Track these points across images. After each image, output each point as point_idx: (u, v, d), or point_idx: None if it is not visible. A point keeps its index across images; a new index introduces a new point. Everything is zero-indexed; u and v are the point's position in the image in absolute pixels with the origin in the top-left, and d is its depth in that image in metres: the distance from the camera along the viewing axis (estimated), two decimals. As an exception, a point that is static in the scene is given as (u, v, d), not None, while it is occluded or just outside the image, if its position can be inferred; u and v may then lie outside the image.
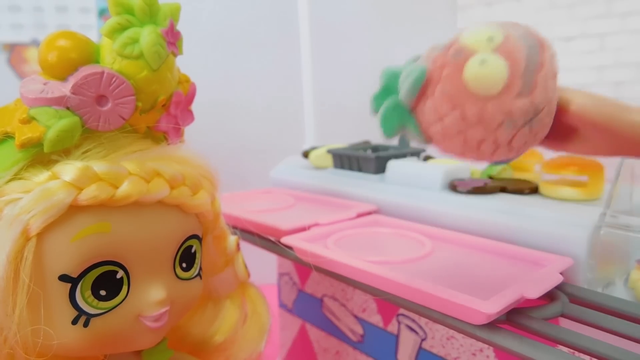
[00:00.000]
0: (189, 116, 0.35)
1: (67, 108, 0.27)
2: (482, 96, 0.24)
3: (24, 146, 0.27)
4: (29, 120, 0.27)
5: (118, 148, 0.29)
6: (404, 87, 0.27)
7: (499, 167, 0.56)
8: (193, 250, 0.33)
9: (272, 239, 0.48)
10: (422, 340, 0.50)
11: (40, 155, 0.28)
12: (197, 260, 0.33)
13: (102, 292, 0.28)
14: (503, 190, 0.50)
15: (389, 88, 0.29)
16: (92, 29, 1.16)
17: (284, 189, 0.71)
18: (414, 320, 0.50)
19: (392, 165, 0.58)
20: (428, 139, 0.28)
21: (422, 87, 0.26)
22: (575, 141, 0.28)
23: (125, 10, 0.28)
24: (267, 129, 1.28)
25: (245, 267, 0.43)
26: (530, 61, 0.25)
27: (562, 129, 0.28)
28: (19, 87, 0.27)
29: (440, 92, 0.25)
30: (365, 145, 0.70)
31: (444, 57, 0.26)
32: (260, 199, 0.66)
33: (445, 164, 0.55)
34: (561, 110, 0.26)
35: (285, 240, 0.45)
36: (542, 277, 0.34)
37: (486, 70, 0.24)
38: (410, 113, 0.28)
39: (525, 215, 0.43)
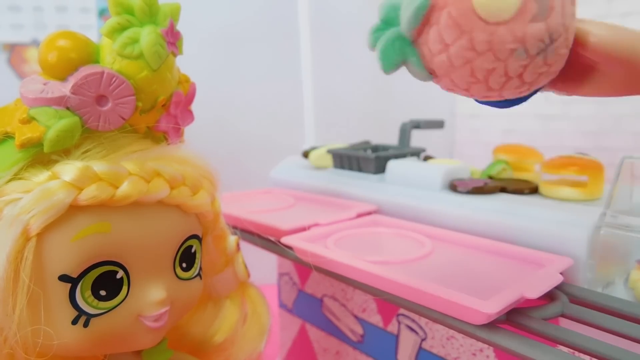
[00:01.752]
0: (189, 116, 0.35)
1: (67, 108, 0.27)
2: (492, 21, 0.22)
3: (24, 146, 0.27)
4: (29, 120, 0.27)
5: (118, 148, 0.29)
6: (405, 16, 0.24)
7: (499, 167, 0.56)
8: (193, 250, 0.33)
9: (272, 239, 0.48)
10: (422, 340, 0.50)
11: (40, 155, 0.28)
12: (197, 260, 0.33)
13: (102, 292, 0.28)
14: (503, 190, 0.50)
15: (388, 20, 0.26)
16: (92, 29, 1.16)
17: (284, 189, 0.71)
18: (414, 320, 0.50)
19: (392, 165, 0.58)
20: (432, 72, 0.26)
21: (426, 15, 0.24)
22: (593, 80, 0.25)
23: (125, 10, 0.28)
24: (267, 129, 1.28)
25: (245, 267, 0.43)
26: None
27: (579, 65, 0.25)
28: (19, 87, 0.27)
29: (445, 19, 0.23)
30: (365, 145, 0.70)
31: None
32: (260, 199, 0.66)
33: (445, 164, 0.55)
34: (579, 43, 0.24)
35: (285, 240, 0.45)
36: (542, 277, 0.34)
37: None
38: (412, 45, 0.25)
39: (525, 215, 0.43)
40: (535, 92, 0.26)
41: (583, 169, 0.46)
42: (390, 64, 0.26)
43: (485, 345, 0.43)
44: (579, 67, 0.26)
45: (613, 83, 0.25)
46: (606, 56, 0.23)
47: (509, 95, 0.25)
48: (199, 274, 0.34)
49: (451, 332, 0.47)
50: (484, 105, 0.28)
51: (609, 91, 0.25)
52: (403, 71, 0.27)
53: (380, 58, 0.26)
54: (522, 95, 0.25)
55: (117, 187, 0.27)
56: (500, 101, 0.27)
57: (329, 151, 0.67)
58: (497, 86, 0.24)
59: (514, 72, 0.23)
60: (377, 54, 0.27)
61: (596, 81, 0.25)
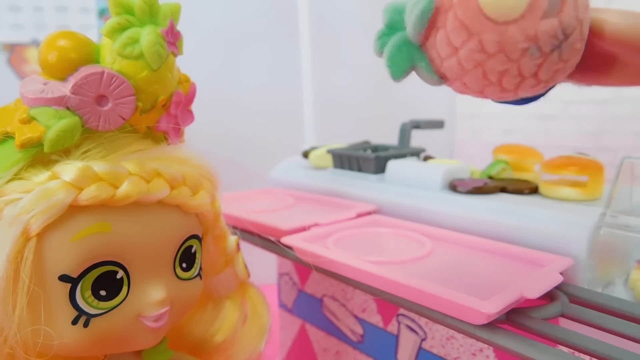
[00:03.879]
0: (189, 116, 0.35)
1: (67, 108, 0.27)
2: (501, 21, 0.21)
3: (24, 146, 0.27)
4: (29, 120, 0.27)
5: (118, 148, 0.29)
6: (411, 20, 0.23)
7: (498, 167, 0.56)
8: (193, 250, 0.33)
9: (272, 239, 0.48)
10: (422, 340, 0.50)
11: (40, 155, 0.28)
12: (197, 261, 0.33)
13: (102, 292, 0.28)
14: (503, 190, 0.50)
15: (393, 25, 0.25)
16: (92, 29, 1.16)
17: (284, 189, 0.71)
18: (414, 320, 0.50)
19: (392, 165, 0.58)
20: (443, 77, 0.25)
21: (432, 18, 0.23)
22: (613, 70, 0.24)
23: (125, 11, 0.28)
24: (267, 128, 1.28)
25: (246, 267, 0.43)
26: None
27: (598, 56, 0.24)
28: (19, 87, 0.27)
29: (452, 21, 0.22)
30: (365, 145, 0.70)
31: None
32: (260, 199, 0.66)
33: (445, 164, 0.55)
34: (594, 34, 0.22)
35: (285, 240, 0.45)
36: (542, 277, 0.34)
37: None
38: (420, 49, 0.25)
39: (525, 215, 0.43)
40: (552, 87, 0.25)
41: (583, 169, 0.46)
42: (399, 71, 0.25)
43: (485, 345, 0.43)
44: (597, 58, 0.24)
45: (635, 72, 0.23)
46: (624, 45, 0.22)
47: (524, 94, 0.24)
48: (199, 274, 0.34)
49: (451, 332, 0.47)
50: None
51: (632, 80, 0.24)
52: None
53: (389, 65, 0.26)
54: (538, 93, 0.24)
55: (117, 187, 0.27)
56: (516, 100, 0.26)
57: (329, 151, 0.67)
58: (512, 87, 0.23)
59: (528, 71, 0.22)
60: (385, 62, 0.26)
61: (616, 71, 0.24)
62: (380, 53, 0.26)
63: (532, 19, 0.21)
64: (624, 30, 0.22)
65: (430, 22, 0.23)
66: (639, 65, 0.23)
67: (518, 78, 0.23)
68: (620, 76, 0.24)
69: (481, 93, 0.24)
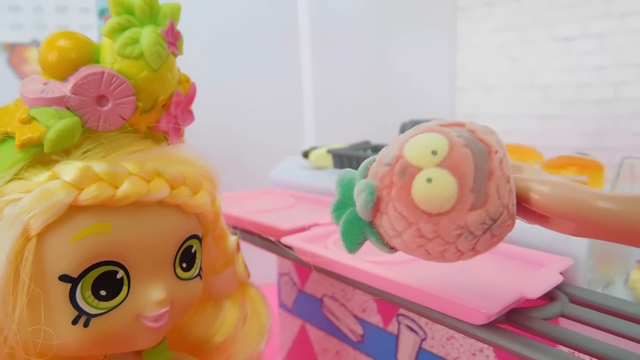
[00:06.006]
0: (189, 116, 0.35)
1: (68, 108, 0.27)
2: (435, 213, 0.24)
3: (24, 146, 0.27)
4: (29, 120, 0.27)
5: (118, 148, 0.29)
6: (358, 204, 0.27)
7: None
8: (193, 251, 0.33)
9: (272, 239, 0.48)
10: (422, 340, 0.50)
11: (40, 155, 0.28)
12: (197, 261, 0.33)
13: (102, 292, 0.28)
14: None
15: (346, 200, 0.29)
16: (92, 29, 1.16)
17: (284, 189, 0.71)
18: (414, 320, 0.50)
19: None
20: (394, 249, 0.28)
21: (375, 204, 0.26)
22: (552, 223, 0.27)
23: (125, 10, 0.28)
24: (267, 129, 1.28)
25: (246, 267, 0.43)
26: (479, 170, 0.24)
27: (535, 213, 0.27)
28: (19, 87, 0.27)
29: (392, 211, 0.25)
30: (365, 145, 0.70)
31: (391, 175, 0.25)
32: (260, 199, 0.66)
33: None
34: (524, 200, 0.25)
35: (285, 240, 0.45)
36: (542, 277, 0.34)
37: (434, 189, 0.24)
38: (371, 225, 0.28)
39: (525, 215, 0.43)
40: None
41: (583, 169, 0.46)
42: (353, 244, 0.28)
43: (485, 345, 0.43)
44: (536, 215, 0.27)
45: (571, 229, 0.25)
46: (550, 212, 0.24)
47: (466, 259, 0.26)
48: (199, 274, 0.34)
49: (451, 332, 0.47)
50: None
51: (573, 233, 0.25)
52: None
53: (343, 240, 0.28)
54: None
55: (117, 187, 0.27)
56: None
57: (329, 151, 0.67)
58: (454, 258, 0.26)
59: (465, 248, 0.25)
60: (340, 235, 0.28)
61: (556, 224, 0.26)
62: (336, 224, 0.29)
63: (461, 212, 0.24)
64: (551, 200, 0.24)
65: (375, 206, 0.26)
66: (569, 225, 0.25)
67: (457, 253, 0.25)
68: (561, 228, 0.26)
69: (430, 261, 0.27)
